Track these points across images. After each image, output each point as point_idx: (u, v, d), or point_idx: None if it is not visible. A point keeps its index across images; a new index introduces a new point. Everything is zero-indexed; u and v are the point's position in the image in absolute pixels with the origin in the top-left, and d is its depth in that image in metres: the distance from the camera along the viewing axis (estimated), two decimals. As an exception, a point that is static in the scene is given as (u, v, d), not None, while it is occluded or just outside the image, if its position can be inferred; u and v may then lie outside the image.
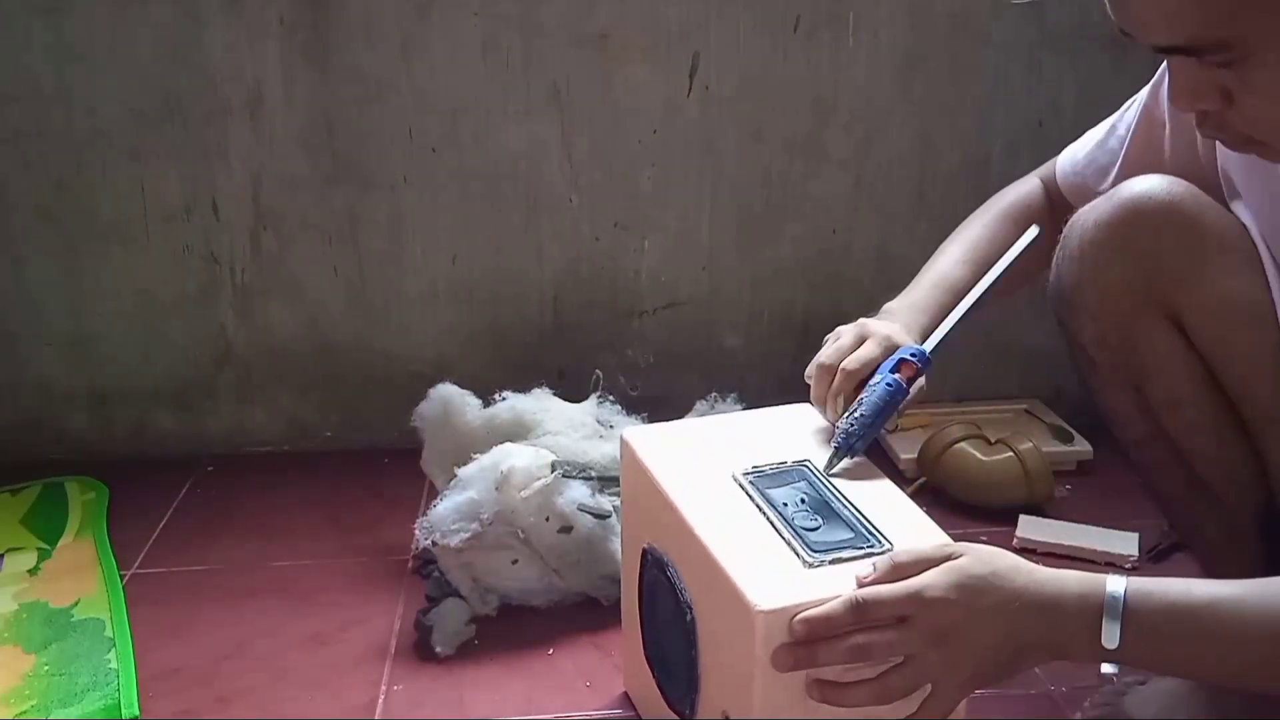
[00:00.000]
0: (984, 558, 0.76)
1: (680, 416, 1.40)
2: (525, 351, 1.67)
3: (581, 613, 1.22)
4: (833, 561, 0.81)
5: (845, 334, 1.00)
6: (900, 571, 0.77)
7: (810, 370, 1.00)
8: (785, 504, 0.88)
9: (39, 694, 1.11)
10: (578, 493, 1.23)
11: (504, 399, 1.35)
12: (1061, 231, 0.96)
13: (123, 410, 1.66)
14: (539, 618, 1.26)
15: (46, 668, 1.15)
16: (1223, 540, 0.98)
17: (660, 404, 1.42)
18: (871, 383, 0.95)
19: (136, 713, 1.10)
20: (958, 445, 1.51)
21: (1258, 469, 0.94)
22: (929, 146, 1.65)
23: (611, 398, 1.40)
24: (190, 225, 1.60)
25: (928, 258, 1.10)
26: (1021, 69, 1.63)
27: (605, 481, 1.25)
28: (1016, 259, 1.02)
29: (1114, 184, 0.98)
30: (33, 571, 1.34)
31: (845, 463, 0.94)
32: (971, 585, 0.74)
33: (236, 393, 1.67)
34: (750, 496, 0.89)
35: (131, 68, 1.52)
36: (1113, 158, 1.04)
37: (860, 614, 0.75)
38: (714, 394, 1.41)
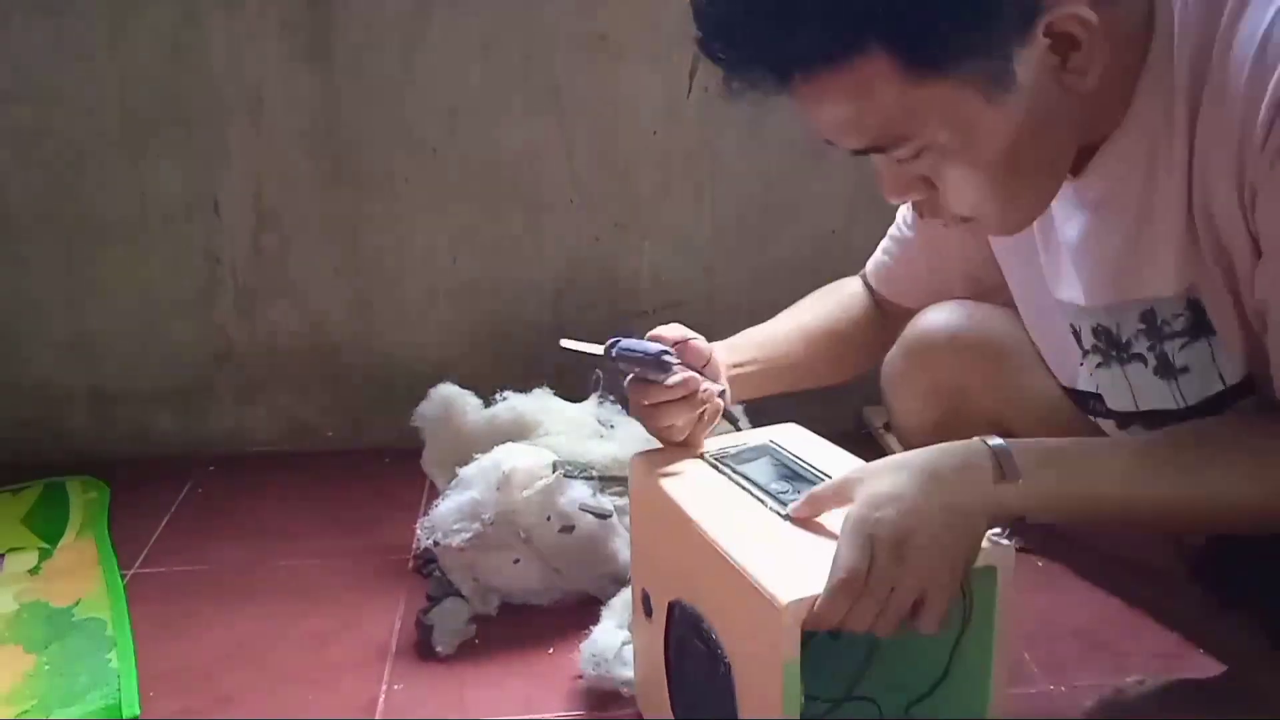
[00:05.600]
0: (876, 469, 0.79)
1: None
2: (525, 351, 1.67)
3: (582, 612, 1.22)
4: None
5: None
6: (820, 502, 0.82)
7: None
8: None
9: (40, 694, 1.11)
10: (579, 492, 1.23)
11: (504, 399, 1.35)
12: (884, 323, 1.08)
13: (123, 410, 1.66)
14: (539, 617, 1.26)
15: (47, 667, 1.15)
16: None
17: (660, 404, 1.42)
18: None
19: (136, 712, 1.10)
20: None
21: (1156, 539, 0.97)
22: (929, 146, 1.65)
23: (611, 398, 1.40)
24: (190, 225, 1.60)
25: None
26: (1021, 69, 1.63)
27: (606, 481, 1.25)
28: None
29: (910, 276, 1.06)
30: (33, 571, 1.34)
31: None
32: (890, 492, 0.76)
33: (236, 393, 1.67)
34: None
35: (131, 68, 1.52)
36: (908, 249, 1.07)
37: (852, 588, 0.74)
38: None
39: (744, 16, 0.68)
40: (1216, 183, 0.71)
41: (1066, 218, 0.83)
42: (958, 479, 0.76)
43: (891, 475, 0.77)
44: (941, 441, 0.80)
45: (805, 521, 0.84)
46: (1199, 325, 0.79)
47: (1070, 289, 0.86)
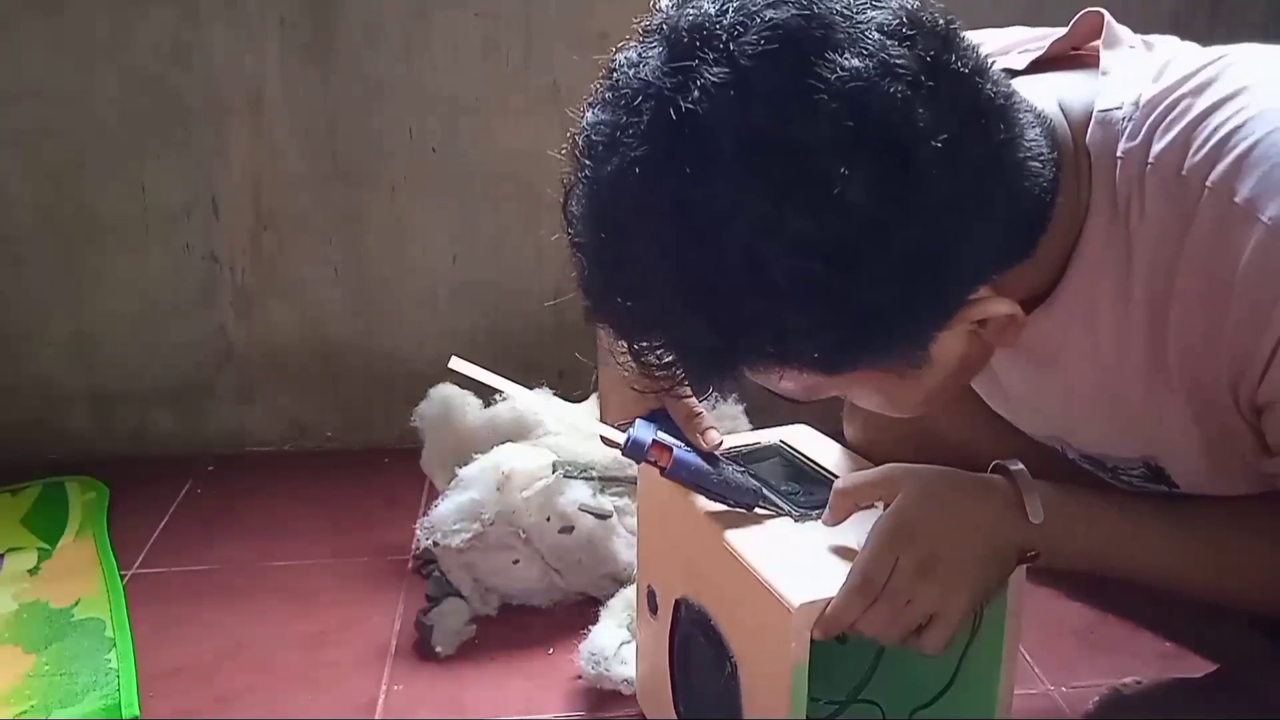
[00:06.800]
0: (921, 476, 0.77)
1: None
2: (525, 351, 1.67)
3: (582, 613, 1.22)
4: None
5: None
6: (859, 491, 0.79)
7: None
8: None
9: (39, 694, 1.11)
10: (579, 493, 1.23)
11: (504, 399, 1.35)
12: None
13: (123, 410, 1.66)
14: (539, 618, 1.26)
15: (47, 668, 1.15)
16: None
17: (660, 404, 1.42)
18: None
19: (136, 713, 1.10)
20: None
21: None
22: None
23: (611, 398, 1.40)
24: (190, 225, 1.60)
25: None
26: (1021, 69, 1.63)
27: (606, 481, 1.25)
28: None
29: None
30: (33, 571, 1.34)
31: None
32: (932, 506, 0.75)
33: (236, 393, 1.67)
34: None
35: (131, 68, 1.52)
36: None
37: (868, 593, 0.74)
38: (715, 394, 1.41)
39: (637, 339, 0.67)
40: (1202, 371, 0.69)
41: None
42: (998, 516, 0.75)
43: (937, 488, 0.76)
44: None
45: (817, 524, 0.83)
46: (1158, 479, 0.79)
47: (1006, 411, 0.87)
